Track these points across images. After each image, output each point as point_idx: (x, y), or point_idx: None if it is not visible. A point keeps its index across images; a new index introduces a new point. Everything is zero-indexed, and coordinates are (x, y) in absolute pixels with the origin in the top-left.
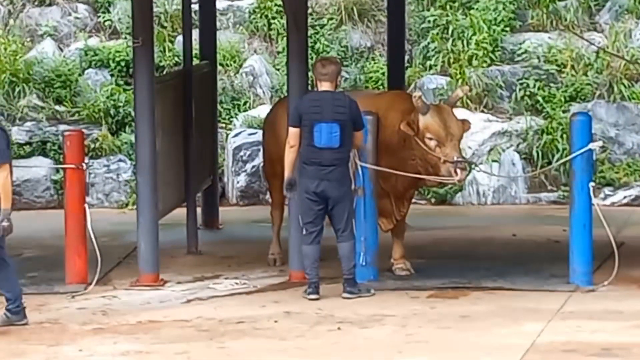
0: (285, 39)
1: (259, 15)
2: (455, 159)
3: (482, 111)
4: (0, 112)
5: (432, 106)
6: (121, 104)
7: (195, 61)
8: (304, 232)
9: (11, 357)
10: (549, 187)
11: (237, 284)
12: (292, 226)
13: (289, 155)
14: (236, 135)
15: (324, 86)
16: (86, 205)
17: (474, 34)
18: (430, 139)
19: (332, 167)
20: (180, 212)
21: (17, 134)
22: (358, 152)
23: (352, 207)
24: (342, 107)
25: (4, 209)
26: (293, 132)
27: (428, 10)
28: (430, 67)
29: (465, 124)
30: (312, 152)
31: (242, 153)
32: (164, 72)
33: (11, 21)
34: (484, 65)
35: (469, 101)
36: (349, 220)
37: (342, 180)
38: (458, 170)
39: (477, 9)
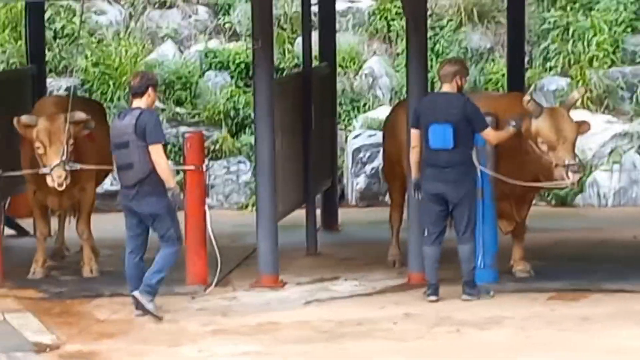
0: (404, 40)
1: (378, 16)
2: (566, 162)
3: (603, 112)
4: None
5: (546, 109)
6: (241, 106)
7: (315, 63)
8: (425, 232)
9: (130, 357)
10: None
11: (356, 285)
12: (412, 228)
13: (412, 157)
14: (356, 136)
15: (444, 87)
16: (206, 207)
17: (595, 35)
18: (543, 142)
19: (448, 169)
20: (300, 214)
21: None
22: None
23: (474, 209)
24: (455, 108)
25: (168, 189)
26: (413, 133)
27: (548, 11)
28: (550, 69)
29: (584, 126)
30: (429, 153)
31: (361, 154)
32: (284, 74)
33: (132, 24)
34: (605, 66)
35: (589, 102)
36: (470, 223)
37: (460, 182)
38: (570, 174)
39: (597, 9)
